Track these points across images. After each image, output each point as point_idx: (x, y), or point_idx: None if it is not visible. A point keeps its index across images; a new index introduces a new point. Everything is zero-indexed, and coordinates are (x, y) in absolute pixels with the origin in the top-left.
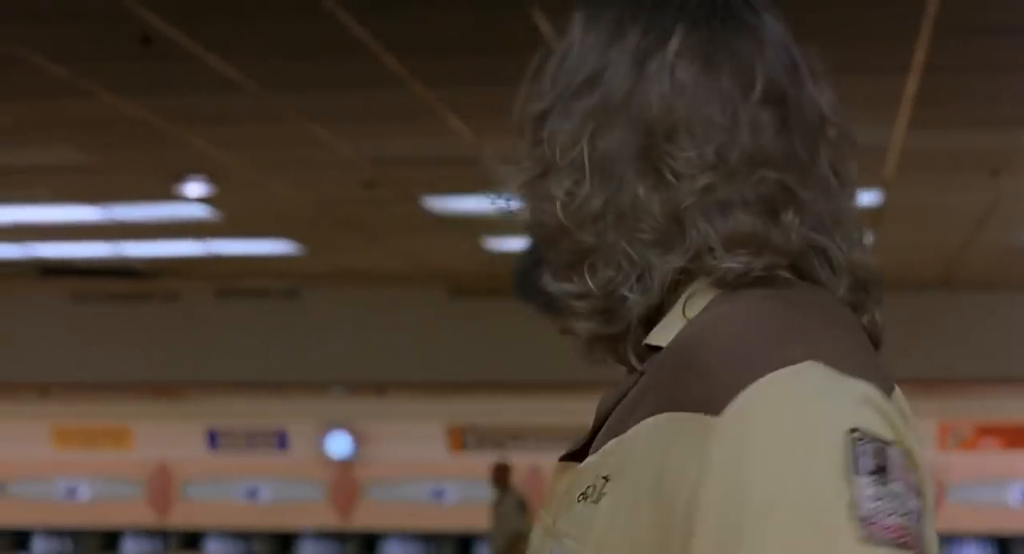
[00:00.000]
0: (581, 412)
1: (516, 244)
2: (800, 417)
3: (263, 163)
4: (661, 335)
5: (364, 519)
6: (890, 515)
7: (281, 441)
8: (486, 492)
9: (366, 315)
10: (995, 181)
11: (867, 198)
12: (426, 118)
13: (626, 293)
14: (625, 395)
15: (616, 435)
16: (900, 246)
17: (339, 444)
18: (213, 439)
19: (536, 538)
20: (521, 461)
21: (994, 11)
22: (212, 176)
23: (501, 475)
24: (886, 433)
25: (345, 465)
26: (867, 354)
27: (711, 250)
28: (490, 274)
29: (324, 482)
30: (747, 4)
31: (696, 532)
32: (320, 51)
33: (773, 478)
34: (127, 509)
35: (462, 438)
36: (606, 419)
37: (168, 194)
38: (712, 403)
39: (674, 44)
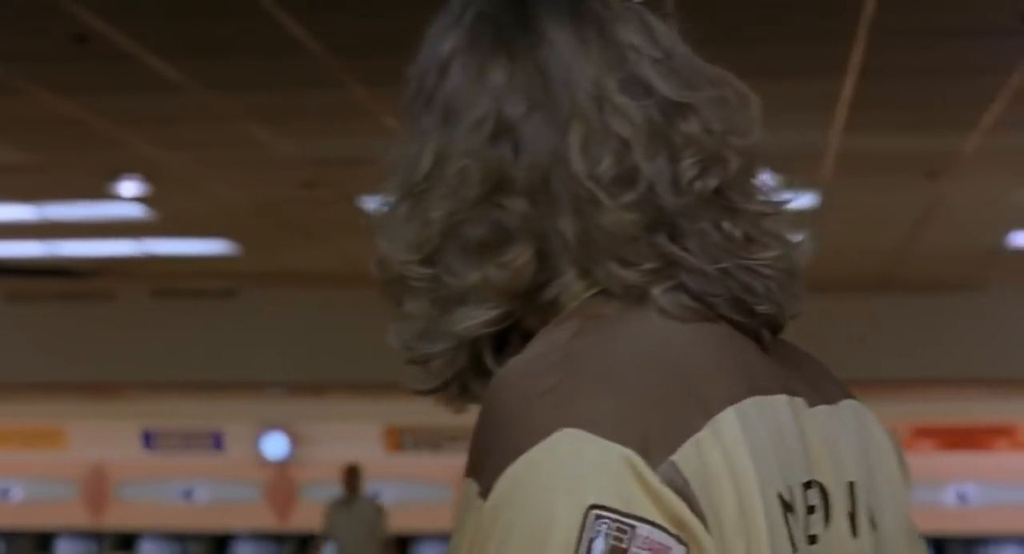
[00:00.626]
0: None
1: None
2: (542, 499)
3: (201, 162)
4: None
5: (301, 520)
6: None
7: (217, 442)
8: (423, 493)
9: (303, 315)
10: (932, 183)
11: (805, 200)
12: (364, 118)
13: None
14: None
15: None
16: (839, 248)
17: (275, 445)
18: (148, 439)
19: None
20: (458, 462)
21: (930, 14)
22: (148, 175)
23: (352, 478)
24: (639, 508)
25: (282, 466)
26: (653, 404)
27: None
28: None
29: (261, 483)
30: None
31: None
32: (258, 50)
33: None
34: (61, 510)
35: (399, 439)
36: None
37: (104, 193)
38: (484, 482)
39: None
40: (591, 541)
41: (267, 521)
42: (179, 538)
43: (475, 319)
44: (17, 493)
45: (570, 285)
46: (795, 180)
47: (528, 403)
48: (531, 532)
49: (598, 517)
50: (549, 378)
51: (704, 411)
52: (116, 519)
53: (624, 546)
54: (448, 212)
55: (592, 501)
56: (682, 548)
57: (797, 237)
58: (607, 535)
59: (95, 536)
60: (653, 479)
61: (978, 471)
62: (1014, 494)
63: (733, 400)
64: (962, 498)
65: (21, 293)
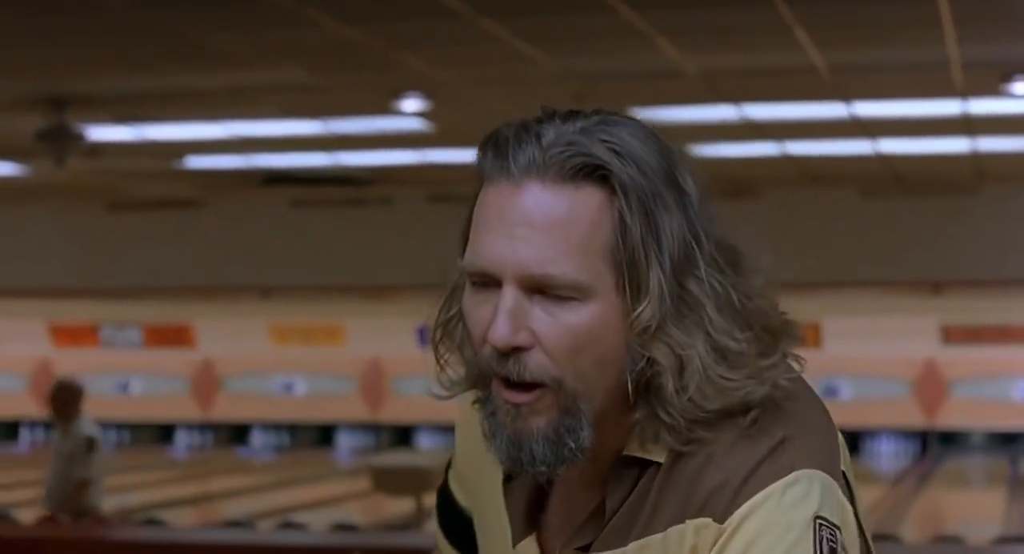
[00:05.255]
0: None
1: (719, 150)
2: (786, 516)
3: (475, 80)
4: (655, 448)
5: None
6: None
7: None
8: None
9: None
10: None
11: None
12: (633, 38)
13: None
14: (627, 497)
15: (639, 537)
16: None
17: None
18: (423, 335)
19: None
20: None
21: None
22: (427, 92)
23: (60, 399)
24: (836, 518)
25: None
26: (829, 436)
27: None
28: None
29: None
30: None
31: None
32: None
33: None
34: (341, 404)
35: None
36: (608, 515)
37: (386, 109)
38: (722, 513)
39: None
40: (821, 543)
41: None
42: (454, 430)
43: None
44: (300, 388)
45: None
46: None
47: (758, 459)
48: (781, 537)
49: (822, 524)
50: (763, 442)
51: (838, 434)
52: (393, 412)
53: (836, 548)
54: None
55: (817, 512)
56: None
57: None
58: (827, 539)
59: (373, 428)
60: (839, 489)
61: None
62: None
63: None
64: None
65: (305, 200)
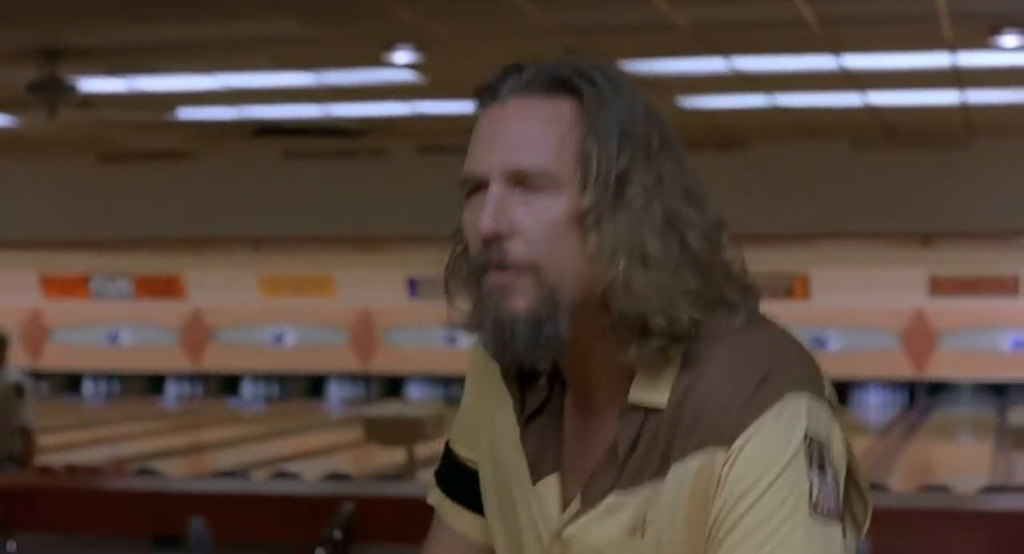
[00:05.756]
0: None
1: (709, 102)
2: (783, 436)
3: (468, 32)
4: (655, 395)
5: None
6: (828, 497)
7: None
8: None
9: None
10: None
11: None
12: None
13: None
14: (635, 441)
15: (651, 479)
16: None
17: None
18: (413, 287)
19: None
20: None
21: None
22: (420, 45)
23: None
24: (823, 436)
25: None
26: (809, 363)
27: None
28: (683, 127)
29: None
30: None
31: (713, 506)
32: None
33: (765, 474)
34: (332, 355)
35: None
36: (615, 457)
37: (378, 61)
38: (726, 440)
39: None
40: (811, 459)
41: None
42: (444, 381)
43: None
44: (290, 339)
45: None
46: None
47: (752, 390)
48: (776, 456)
49: (811, 442)
50: (754, 373)
51: (818, 366)
52: (383, 363)
53: (824, 462)
54: None
55: (806, 431)
56: (837, 465)
57: None
58: (817, 455)
59: (364, 379)
60: (824, 410)
61: None
62: None
63: None
64: None
65: (296, 152)
